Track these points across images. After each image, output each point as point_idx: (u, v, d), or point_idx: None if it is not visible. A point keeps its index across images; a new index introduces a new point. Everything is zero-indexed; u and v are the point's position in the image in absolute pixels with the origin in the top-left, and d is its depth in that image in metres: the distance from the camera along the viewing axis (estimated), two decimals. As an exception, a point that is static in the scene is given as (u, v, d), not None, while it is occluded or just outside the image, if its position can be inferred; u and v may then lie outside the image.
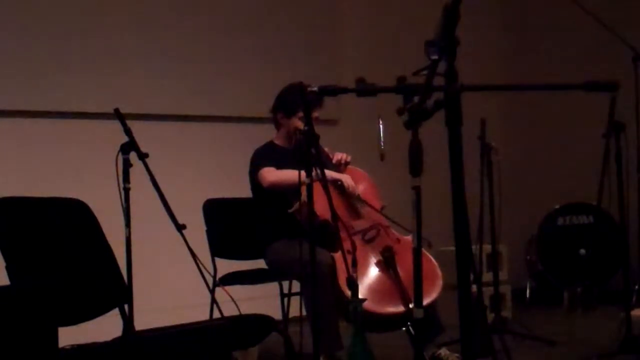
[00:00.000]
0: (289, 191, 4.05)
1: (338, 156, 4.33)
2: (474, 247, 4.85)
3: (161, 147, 4.23)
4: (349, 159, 4.34)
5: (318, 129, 3.54)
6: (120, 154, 3.62)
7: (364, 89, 2.87)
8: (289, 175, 4.06)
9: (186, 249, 3.36)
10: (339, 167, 4.31)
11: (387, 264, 3.92)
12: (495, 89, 2.92)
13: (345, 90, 3.14)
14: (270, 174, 4.20)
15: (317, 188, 3.43)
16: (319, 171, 3.46)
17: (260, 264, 4.40)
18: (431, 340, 4.00)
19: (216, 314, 3.77)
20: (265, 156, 4.29)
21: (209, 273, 3.75)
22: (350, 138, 5.78)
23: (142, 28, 5.47)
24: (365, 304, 3.52)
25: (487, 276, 5.32)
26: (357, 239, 3.96)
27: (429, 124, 2.31)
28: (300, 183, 3.69)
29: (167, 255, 4.31)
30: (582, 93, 2.46)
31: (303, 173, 3.73)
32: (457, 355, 3.94)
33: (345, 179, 4.19)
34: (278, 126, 4.39)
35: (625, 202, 4.31)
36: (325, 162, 4.12)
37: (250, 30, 5.90)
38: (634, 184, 4.47)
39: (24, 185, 3.49)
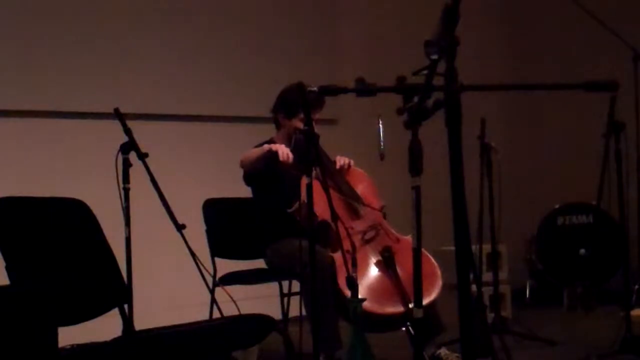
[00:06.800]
0: (257, 168, 4.11)
1: (341, 161, 4.33)
2: (474, 247, 4.85)
3: (161, 147, 4.23)
4: (351, 163, 4.35)
5: (318, 128, 3.54)
6: (120, 154, 3.62)
7: (364, 89, 2.87)
8: (255, 151, 4.11)
9: (186, 249, 3.36)
10: (342, 171, 4.31)
11: (386, 264, 3.92)
12: (495, 89, 2.92)
13: (345, 90, 3.14)
14: (242, 154, 4.22)
15: (317, 188, 3.43)
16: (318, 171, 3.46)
17: (260, 264, 4.40)
18: (431, 340, 4.00)
19: (216, 314, 3.77)
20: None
21: (209, 273, 3.74)
22: (350, 138, 5.79)
23: (142, 28, 5.47)
24: (365, 304, 3.51)
25: (487, 276, 5.32)
26: (357, 239, 3.96)
27: (429, 124, 2.31)
28: (264, 156, 3.98)
29: (167, 255, 4.31)
30: (582, 93, 2.46)
31: (267, 146, 4.02)
32: (457, 355, 3.94)
33: (278, 147, 4.09)
34: (278, 126, 4.40)
35: (625, 202, 4.31)
36: (326, 162, 4.13)
37: (250, 30, 5.90)
38: (634, 184, 4.47)
39: (24, 185, 3.49)
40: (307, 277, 3.55)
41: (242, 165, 4.24)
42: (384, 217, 4.24)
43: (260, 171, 4.16)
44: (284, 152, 4.04)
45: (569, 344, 4.64)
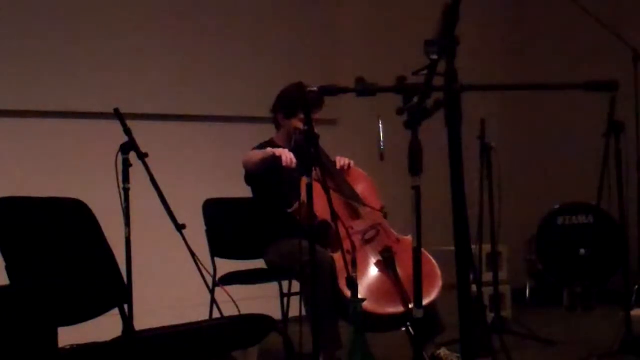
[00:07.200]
0: (259, 170, 4.11)
1: (341, 161, 4.33)
2: (474, 247, 4.85)
3: (161, 147, 4.23)
4: (351, 163, 4.35)
5: (318, 128, 3.54)
6: (120, 154, 3.62)
7: (364, 89, 2.87)
8: (258, 153, 4.10)
9: (186, 249, 3.36)
10: (342, 171, 4.31)
11: (386, 264, 3.92)
12: (495, 89, 2.92)
13: (345, 90, 3.14)
14: (244, 155, 4.22)
15: (317, 188, 3.43)
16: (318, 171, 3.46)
17: (260, 264, 4.39)
18: (431, 340, 4.00)
19: (216, 314, 3.77)
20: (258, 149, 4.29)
21: (209, 273, 3.75)
22: (350, 138, 5.79)
23: (142, 28, 5.48)
24: (365, 304, 3.51)
25: (487, 276, 5.32)
26: (357, 239, 3.96)
27: (429, 124, 2.31)
28: (266, 160, 3.95)
29: (167, 255, 4.30)
30: (582, 93, 2.46)
31: (271, 150, 4.01)
32: (457, 355, 3.94)
33: (281, 152, 4.09)
34: (278, 126, 4.39)
35: (625, 202, 4.31)
36: (326, 162, 4.12)
37: (250, 30, 5.90)
38: (634, 184, 4.47)
39: (24, 185, 3.49)
40: (307, 277, 3.55)
41: (245, 166, 4.24)
42: (384, 217, 4.24)
43: (261, 172, 4.16)
44: (287, 157, 4.04)
45: (569, 344, 4.64)
